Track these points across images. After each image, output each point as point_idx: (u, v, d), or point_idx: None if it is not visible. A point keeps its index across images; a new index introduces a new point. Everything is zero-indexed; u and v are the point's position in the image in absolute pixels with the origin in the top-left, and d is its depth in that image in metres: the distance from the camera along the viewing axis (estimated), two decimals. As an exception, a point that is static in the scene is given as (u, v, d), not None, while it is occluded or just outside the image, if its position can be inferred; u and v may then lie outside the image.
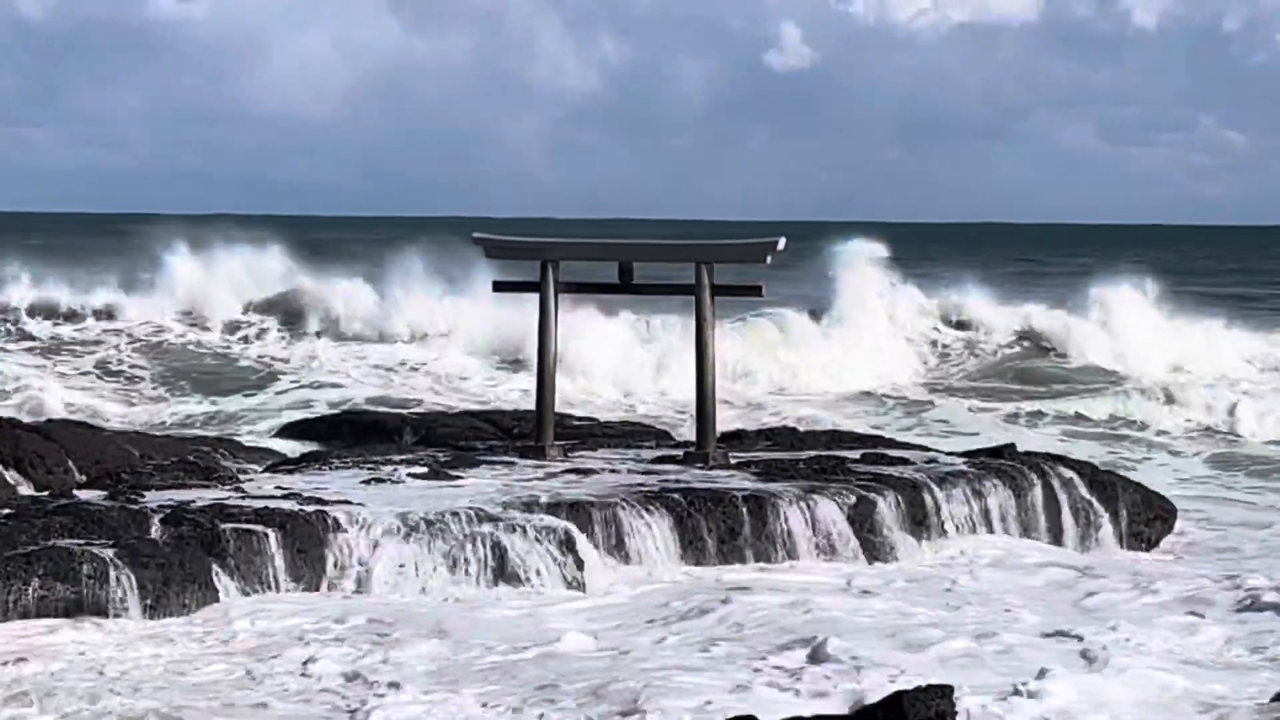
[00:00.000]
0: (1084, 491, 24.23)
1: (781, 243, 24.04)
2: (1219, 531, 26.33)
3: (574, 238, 26.59)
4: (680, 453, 24.67)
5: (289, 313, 48.32)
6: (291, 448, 28.88)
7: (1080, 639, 17.64)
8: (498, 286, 27.24)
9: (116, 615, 17.88)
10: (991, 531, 22.97)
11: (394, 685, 15.57)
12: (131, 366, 43.25)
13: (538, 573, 19.52)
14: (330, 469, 23.37)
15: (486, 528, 19.79)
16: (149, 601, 18.07)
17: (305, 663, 16.51)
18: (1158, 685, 15.88)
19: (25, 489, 22.55)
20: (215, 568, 18.64)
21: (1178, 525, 25.42)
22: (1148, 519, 24.70)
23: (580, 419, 30.88)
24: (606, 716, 14.63)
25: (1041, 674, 15.28)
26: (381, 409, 35.56)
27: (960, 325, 49.66)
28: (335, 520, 19.59)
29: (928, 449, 26.73)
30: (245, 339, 46.97)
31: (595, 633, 17.80)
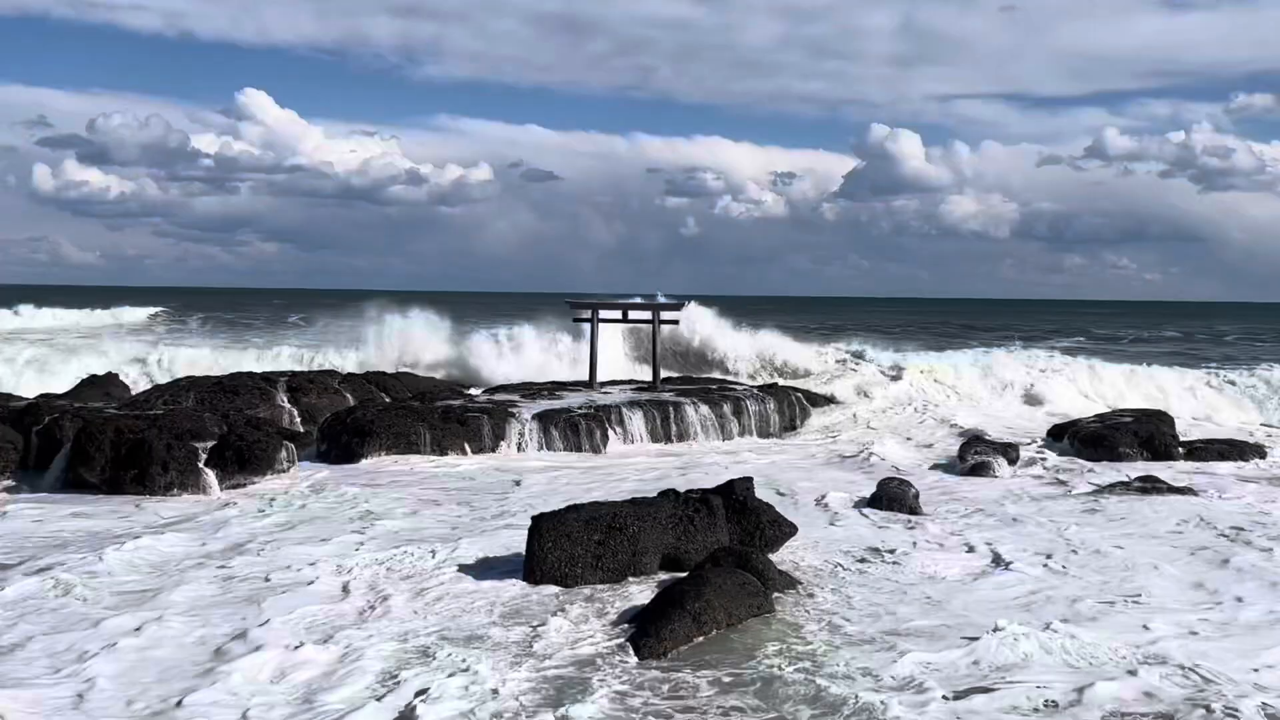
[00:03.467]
0: (793, 399, 23.58)
1: (689, 303, 23.92)
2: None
3: (602, 300, 26.18)
4: (645, 385, 24.42)
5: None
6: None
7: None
8: (575, 320, 26.92)
9: (421, 452, 17.66)
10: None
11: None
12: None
13: (588, 441, 19.19)
14: (506, 393, 23.07)
15: (567, 418, 19.47)
16: (437, 448, 17.94)
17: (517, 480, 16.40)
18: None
19: (385, 399, 22.33)
20: (460, 432, 18.35)
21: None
22: (802, 417, 23.59)
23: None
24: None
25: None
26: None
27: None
28: (511, 413, 19.32)
29: (742, 383, 25.23)
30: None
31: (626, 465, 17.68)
